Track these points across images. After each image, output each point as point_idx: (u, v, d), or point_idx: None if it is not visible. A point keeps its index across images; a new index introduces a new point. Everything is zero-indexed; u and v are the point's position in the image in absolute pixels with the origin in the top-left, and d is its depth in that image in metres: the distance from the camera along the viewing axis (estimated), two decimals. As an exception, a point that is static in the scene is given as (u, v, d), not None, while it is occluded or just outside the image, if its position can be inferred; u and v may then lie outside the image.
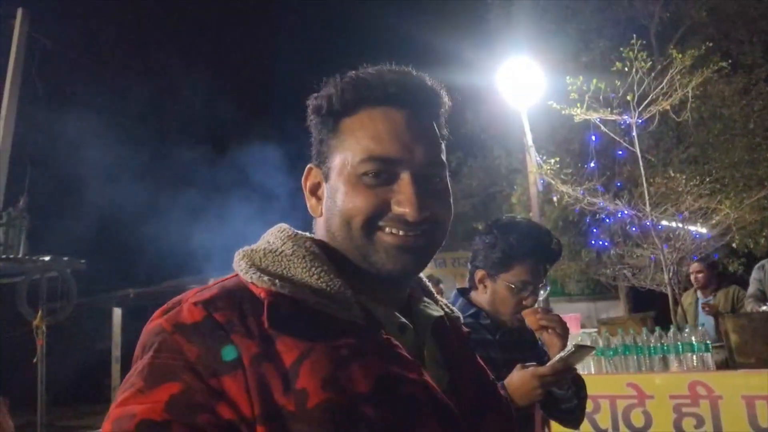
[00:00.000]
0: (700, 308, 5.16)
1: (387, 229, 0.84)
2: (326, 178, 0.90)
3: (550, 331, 1.82)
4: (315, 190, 0.94)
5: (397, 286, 0.92)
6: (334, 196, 0.87)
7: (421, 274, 1.04)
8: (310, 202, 0.94)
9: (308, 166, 0.94)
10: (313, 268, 0.83)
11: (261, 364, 0.73)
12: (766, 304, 4.53)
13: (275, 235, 0.89)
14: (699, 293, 5.32)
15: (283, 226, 0.92)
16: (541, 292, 1.95)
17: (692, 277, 5.36)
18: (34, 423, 7.52)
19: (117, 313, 12.08)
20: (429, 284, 1.08)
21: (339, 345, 0.77)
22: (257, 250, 0.86)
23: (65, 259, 8.12)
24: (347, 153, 0.86)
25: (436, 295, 1.07)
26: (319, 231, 0.92)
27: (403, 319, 0.90)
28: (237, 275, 0.84)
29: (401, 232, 0.84)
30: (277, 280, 0.79)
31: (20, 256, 7.70)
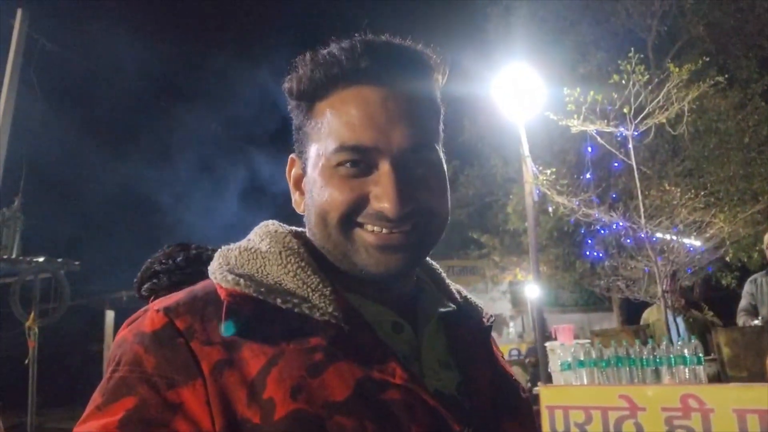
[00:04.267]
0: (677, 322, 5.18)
1: (367, 227, 0.74)
2: (304, 169, 0.81)
3: None
4: (299, 183, 0.84)
5: (389, 285, 0.81)
6: (312, 189, 0.77)
7: (432, 262, 0.96)
8: (294, 196, 0.85)
9: (291, 156, 0.85)
10: (289, 265, 0.75)
11: (223, 373, 0.66)
12: (758, 318, 4.55)
13: (256, 232, 0.82)
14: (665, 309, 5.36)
15: (269, 222, 0.84)
16: None
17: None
18: (25, 424, 7.48)
19: (110, 315, 12.05)
20: (441, 273, 0.97)
21: (312, 349, 0.70)
22: (233, 249, 0.79)
23: (59, 260, 8.11)
24: (321, 142, 0.76)
25: (450, 285, 0.95)
26: (306, 228, 0.83)
27: (398, 318, 0.80)
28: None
29: (383, 230, 0.74)
30: (241, 280, 0.72)
31: (14, 256, 7.67)
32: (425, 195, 0.76)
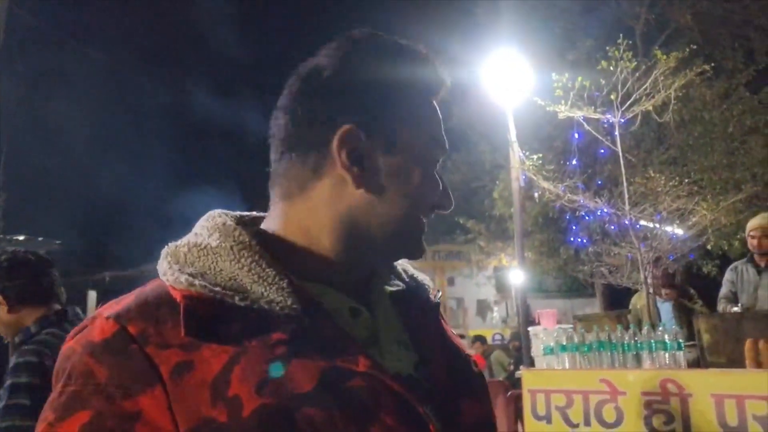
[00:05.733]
0: (662, 308, 5.26)
1: (424, 217, 0.82)
2: (387, 149, 0.77)
3: None
4: (359, 160, 0.76)
5: (358, 270, 0.82)
6: (398, 173, 0.77)
7: None
8: (352, 171, 0.76)
9: (347, 126, 0.76)
10: (243, 260, 0.73)
11: (183, 375, 0.65)
12: (737, 306, 4.61)
13: (203, 226, 0.78)
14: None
15: (214, 213, 0.81)
16: None
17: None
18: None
19: (92, 296, 11.96)
20: None
21: (274, 343, 0.69)
22: (182, 246, 0.75)
23: (39, 239, 8.02)
24: (420, 131, 0.81)
25: (397, 264, 0.94)
26: (345, 202, 0.77)
27: (353, 303, 0.79)
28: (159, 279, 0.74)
29: (426, 220, 0.82)
30: (195, 281, 0.70)
31: (-6, 235, 7.58)
32: None
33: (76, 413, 0.63)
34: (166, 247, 0.76)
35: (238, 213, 0.85)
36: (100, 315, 0.69)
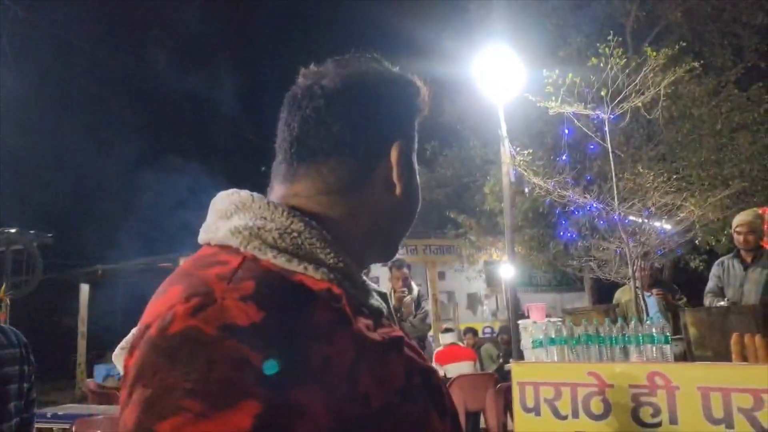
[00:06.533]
0: (648, 302, 5.33)
1: None
2: (405, 156, 0.85)
3: None
4: (408, 171, 0.86)
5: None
6: (410, 176, 0.86)
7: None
8: (402, 179, 0.84)
9: (401, 141, 0.84)
10: (338, 255, 0.73)
11: (329, 369, 0.63)
12: (724, 300, 4.67)
13: (266, 209, 0.74)
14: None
15: (251, 194, 0.78)
16: None
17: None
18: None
19: (84, 289, 11.92)
20: None
21: (381, 338, 0.71)
22: (267, 230, 0.71)
23: (32, 232, 7.97)
24: (412, 145, 0.89)
25: None
26: (386, 204, 0.83)
27: (381, 302, 0.84)
28: (246, 259, 0.69)
29: None
30: (331, 273, 0.71)
31: (-16, 228, 7.53)
32: None
33: (241, 402, 0.56)
34: (239, 228, 0.72)
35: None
36: (223, 296, 0.62)
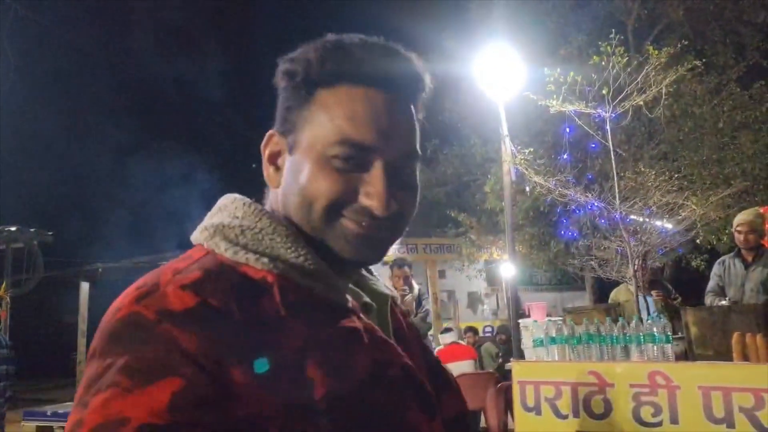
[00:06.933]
0: (648, 302, 5.34)
1: (351, 218, 0.78)
2: (290, 149, 0.81)
3: None
4: (274, 159, 0.85)
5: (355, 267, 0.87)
6: (298, 172, 0.79)
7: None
8: (268, 170, 0.85)
9: (270, 132, 0.85)
10: (299, 249, 0.76)
11: (266, 352, 0.66)
12: (725, 299, 4.66)
13: (240, 209, 0.80)
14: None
15: (238, 197, 0.83)
16: None
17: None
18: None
19: (84, 287, 11.91)
20: None
21: (338, 330, 0.74)
22: (230, 227, 0.77)
23: (32, 230, 7.97)
24: (319, 129, 0.78)
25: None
26: (273, 202, 0.85)
27: (367, 298, 0.85)
28: (208, 253, 0.75)
29: (364, 224, 0.78)
30: (277, 263, 0.74)
31: (-15, 225, 7.53)
32: (405, 199, 0.81)
33: (164, 379, 0.61)
34: (206, 226, 0.79)
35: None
36: (167, 284, 0.68)
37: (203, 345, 0.63)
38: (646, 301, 5.04)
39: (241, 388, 0.63)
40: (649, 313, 4.85)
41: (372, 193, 0.77)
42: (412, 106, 0.83)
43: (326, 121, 0.78)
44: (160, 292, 0.67)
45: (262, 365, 0.65)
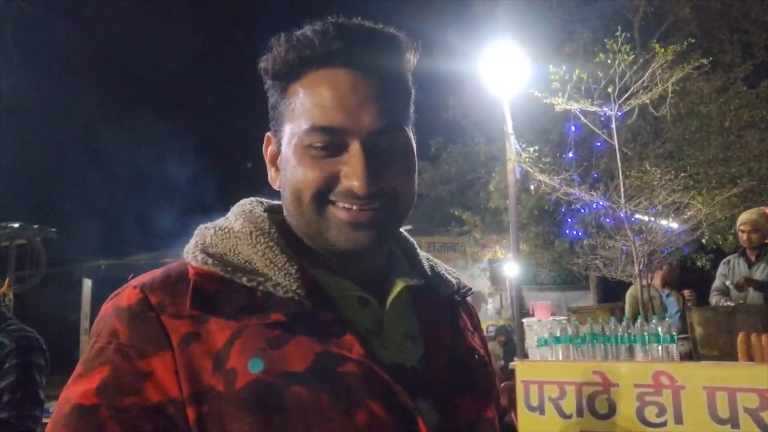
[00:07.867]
0: (668, 301, 5.33)
1: (339, 204, 0.78)
2: (278, 147, 0.84)
3: None
4: (274, 160, 0.87)
5: (357, 261, 0.84)
6: (286, 167, 0.81)
7: (405, 234, 0.99)
8: (270, 172, 0.88)
9: (267, 133, 0.88)
10: (258, 245, 0.79)
11: (190, 344, 0.72)
12: (730, 299, 4.64)
13: (233, 212, 0.86)
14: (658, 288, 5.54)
15: (245, 200, 0.89)
16: None
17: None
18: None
19: (87, 284, 11.94)
20: (413, 245, 1.00)
21: (274, 323, 0.74)
22: (210, 227, 0.84)
23: (35, 226, 7.99)
24: (294, 121, 0.79)
25: (422, 258, 0.98)
26: (282, 203, 0.87)
27: (363, 292, 0.83)
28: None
29: (354, 207, 0.77)
30: (209, 259, 0.77)
31: (-12, 222, 7.55)
32: (393, 175, 0.79)
33: (99, 367, 0.71)
34: (198, 227, 0.85)
35: (272, 201, 0.92)
36: (130, 284, 0.78)
37: (132, 336, 0.72)
38: (662, 299, 5.03)
39: (159, 375, 0.70)
40: (667, 311, 4.84)
41: (350, 174, 0.76)
42: (388, 77, 0.80)
43: (298, 113, 0.78)
44: (123, 291, 0.77)
45: (180, 355, 0.71)
